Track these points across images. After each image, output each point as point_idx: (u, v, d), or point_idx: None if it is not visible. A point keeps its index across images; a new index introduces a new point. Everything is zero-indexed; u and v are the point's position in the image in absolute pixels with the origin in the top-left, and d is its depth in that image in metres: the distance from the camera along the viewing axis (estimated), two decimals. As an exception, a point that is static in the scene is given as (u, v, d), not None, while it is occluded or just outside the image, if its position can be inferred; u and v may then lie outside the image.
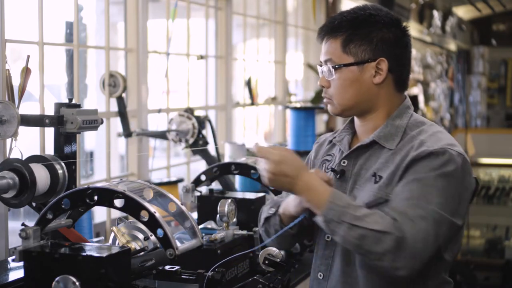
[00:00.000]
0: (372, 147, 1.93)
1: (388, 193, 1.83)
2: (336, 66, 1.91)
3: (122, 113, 3.28)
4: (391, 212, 1.74)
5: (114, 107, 3.30)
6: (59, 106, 2.16)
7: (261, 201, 2.56)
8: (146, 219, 1.69)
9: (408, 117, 1.94)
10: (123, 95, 3.26)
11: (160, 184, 3.22)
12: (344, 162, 1.96)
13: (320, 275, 1.96)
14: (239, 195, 2.58)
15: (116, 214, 3.09)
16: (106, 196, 1.74)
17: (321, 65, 1.98)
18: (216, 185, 2.79)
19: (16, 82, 2.30)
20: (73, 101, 2.18)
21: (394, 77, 1.94)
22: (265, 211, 2.03)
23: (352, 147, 1.98)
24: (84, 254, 1.64)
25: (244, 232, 2.27)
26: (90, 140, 4.29)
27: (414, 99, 7.76)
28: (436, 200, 1.75)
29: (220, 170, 2.61)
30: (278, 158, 1.79)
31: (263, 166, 1.81)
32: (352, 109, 1.95)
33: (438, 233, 1.74)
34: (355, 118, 2.02)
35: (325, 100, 1.98)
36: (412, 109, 1.98)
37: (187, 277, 1.87)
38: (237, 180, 3.44)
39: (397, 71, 1.94)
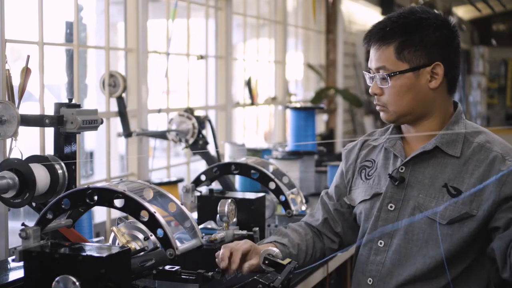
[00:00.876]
0: (434, 155, 1.91)
1: (474, 209, 1.83)
2: (392, 74, 1.88)
3: (122, 113, 3.28)
4: None
5: (114, 107, 3.30)
6: (59, 106, 2.15)
7: (261, 201, 2.56)
8: (146, 219, 1.69)
9: (464, 123, 1.94)
10: (123, 95, 3.26)
11: (160, 184, 3.22)
12: (402, 169, 1.94)
13: (370, 281, 1.96)
14: (239, 195, 2.57)
15: (116, 214, 3.09)
16: (106, 196, 1.73)
17: (368, 71, 1.95)
18: (216, 185, 2.80)
19: (16, 82, 2.30)
20: (73, 101, 2.18)
21: (448, 80, 1.92)
22: None
23: (408, 154, 1.95)
24: (84, 254, 1.64)
25: (244, 232, 2.27)
26: (90, 140, 4.29)
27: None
28: None
29: (220, 170, 2.61)
30: None
31: None
32: (407, 116, 1.93)
33: None
34: (405, 124, 1.99)
35: (378, 107, 1.95)
36: (464, 115, 1.98)
37: (187, 277, 1.87)
38: (237, 180, 3.44)
39: (451, 74, 1.92)
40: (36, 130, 2.62)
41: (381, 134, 2.10)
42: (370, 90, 1.95)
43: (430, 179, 1.90)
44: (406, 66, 1.88)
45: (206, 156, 3.38)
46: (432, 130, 1.93)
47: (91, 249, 1.69)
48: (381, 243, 1.95)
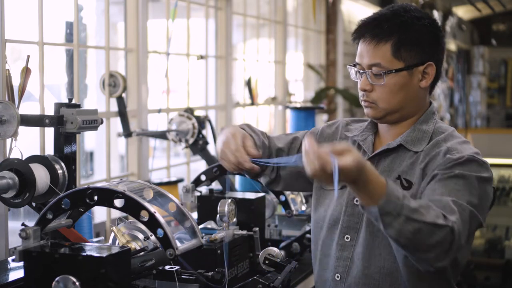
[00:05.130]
0: (397, 151, 1.92)
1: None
2: (388, 72, 1.86)
3: (122, 113, 3.28)
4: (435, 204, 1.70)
5: (114, 107, 3.30)
6: (59, 106, 2.16)
7: (261, 201, 2.56)
8: (146, 219, 1.69)
9: (433, 123, 1.95)
10: (123, 95, 3.26)
11: (160, 184, 3.22)
12: None
13: (338, 276, 1.95)
14: (239, 195, 2.58)
15: (116, 214, 3.09)
16: (106, 196, 1.73)
17: (354, 66, 1.93)
18: (216, 185, 2.80)
19: (16, 82, 2.30)
20: (73, 101, 2.18)
21: (433, 81, 1.94)
22: None
23: (376, 149, 1.96)
24: (84, 254, 1.64)
25: (244, 232, 2.27)
26: (90, 140, 4.29)
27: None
28: (467, 198, 1.74)
29: (220, 170, 2.61)
30: (344, 146, 1.57)
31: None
32: (396, 114, 1.92)
33: (472, 229, 1.74)
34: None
35: (366, 104, 1.93)
36: (437, 115, 1.98)
37: (187, 277, 1.87)
38: (237, 180, 3.44)
39: (438, 74, 1.93)
40: (36, 130, 2.62)
41: (357, 128, 2.09)
42: (360, 86, 1.92)
43: (387, 172, 1.91)
44: (402, 64, 1.87)
45: (206, 156, 3.38)
46: (405, 128, 1.94)
47: (91, 249, 1.68)
48: (347, 238, 1.94)
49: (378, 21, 1.90)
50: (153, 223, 1.69)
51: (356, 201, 1.94)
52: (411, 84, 1.89)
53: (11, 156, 2.15)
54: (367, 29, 1.90)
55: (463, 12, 12.19)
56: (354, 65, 1.94)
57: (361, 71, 1.91)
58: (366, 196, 1.62)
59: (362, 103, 1.94)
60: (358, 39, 1.93)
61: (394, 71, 1.86)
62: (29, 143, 2.47)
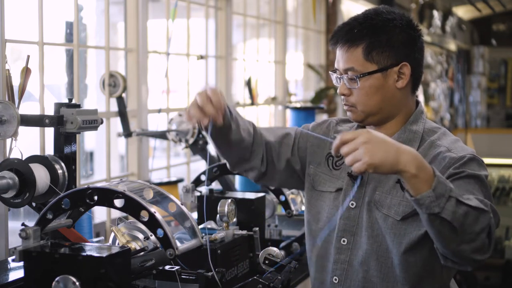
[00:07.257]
0: None
1: None
2: (361, 75, 1.89)
3: (122, 113, 3.28)
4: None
5: (114, 107, 3.30)
6: (59, 106, 2.16)
7: (261, 201, 2.56)
8: (146, 219, 1.69)
9: (423, 123, 1.96)
10: (123, 95, 3.26)
11: (160, 184, 3.22)
12: None
13: (336, 279, 1.96)
14: (239, 195, 2.58)
15: (116, 214, 3.09)
16: (106, 196, 1.74)
17: (334, 72, 1.96)
18: (216, 185, 2.80)
19: (16, 82, 2.30)
20: (73, 101, 2.18)
21: (413, 80, 1.95)
22: None
23: None
24: (84, 254, 1.64)
25: (244, 232, 2.27)
26: (90, 140, 4.29)
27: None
28: (483, 195, 1.73)
29: (220, 170, 2.61)
30: (365, 133, 1.60)
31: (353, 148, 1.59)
32: (376, 115, 1.94)
33: (497, 222, 1.74)
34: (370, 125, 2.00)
35: (346, 108, 1.97)
36: (425, 114, 1.99)
37: (187, 277, 1.87)
38: (237, 180, 3.44)
39: (416, 73, 1.94)
40: (36, 130, 2.62)
41: (346, 129, 2.10)
42: (338, 91, 1.96)
43: (385, 176, 1.91)
44: (375, 67, 1.89)
45: (206, 156, 3.38)
46: (393, 130, 1.96)
47: (91, 249, 1.69)
48: (344, 241, 1.95)
49: (350, 26, 1.93)
50: (153, 223, 1.69)
51: (352, 204, 1.95)
52: (386, 85, 1.91)
53: (11, 156, 2.15)
54: (341, 35, 1.93)
55: (463, 12, 12.19)
56: (334, 71, 1.97)
57: (339, 76, 1.94)
58: (418, 180, 1.58)
59: (344, 107, 1.98)
60: (334, 45, 1.96)
61: (367, 74, 1.89)
62: (29, 143, 2.47)
